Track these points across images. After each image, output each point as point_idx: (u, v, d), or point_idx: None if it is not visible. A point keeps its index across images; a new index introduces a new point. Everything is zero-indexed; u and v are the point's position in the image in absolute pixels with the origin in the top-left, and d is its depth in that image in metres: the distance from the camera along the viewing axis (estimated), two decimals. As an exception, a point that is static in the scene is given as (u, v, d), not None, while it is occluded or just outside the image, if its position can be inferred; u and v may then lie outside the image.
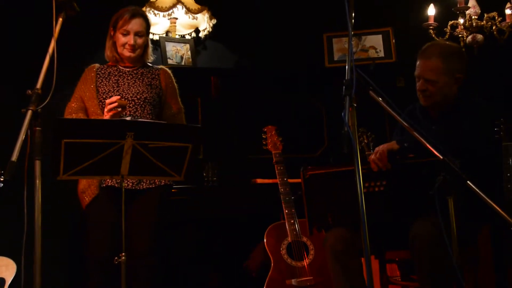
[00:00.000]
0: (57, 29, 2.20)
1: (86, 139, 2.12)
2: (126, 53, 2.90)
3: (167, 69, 3.08)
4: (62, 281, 3.68)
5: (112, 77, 2.93)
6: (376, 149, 2.48)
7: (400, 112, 2.07)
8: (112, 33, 2.93)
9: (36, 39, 3.04)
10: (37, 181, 1.98)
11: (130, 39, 2.87)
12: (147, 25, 2.96)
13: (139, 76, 2.96)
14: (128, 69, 2.97)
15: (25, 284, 2.13)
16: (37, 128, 1.99)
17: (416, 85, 2.65)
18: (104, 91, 2.89)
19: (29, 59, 2.85)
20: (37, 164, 1.98)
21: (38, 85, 2.05)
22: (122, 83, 2.92)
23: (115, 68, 2.97)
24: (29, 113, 1.97)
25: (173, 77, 3.07)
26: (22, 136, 1.93)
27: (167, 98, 3.00)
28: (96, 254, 2.70)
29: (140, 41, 2.90)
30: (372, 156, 2.44)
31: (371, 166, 2.43)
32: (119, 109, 2.68)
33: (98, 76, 2.94)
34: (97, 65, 3.00)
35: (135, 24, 2.88)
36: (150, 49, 3.04)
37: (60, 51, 2.13)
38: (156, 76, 3.00)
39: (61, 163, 2.12)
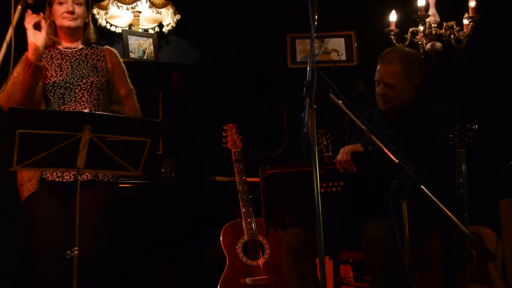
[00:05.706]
0: (15, 17, 2.15)
1: (42, 130, 2.07)
2: (66, 22, 2.70)
3: (112, 49, 2.89)
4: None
5: (54, 61, 2.73)
6: (342, 150, 2.49)
7: (359, 115, 2.10)
8: (48, 13, 2.73)
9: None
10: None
11: (69, 6, 2.69)
12: None
13: (83, 58, 2.77)
14: (70, 50, 2.78)
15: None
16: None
17: (376, 89, 2.69)
18: (46, 76, 2.68)
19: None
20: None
21: (-7, 73, 2.00)
22: (66, 67, 2.72)
23: (57, 50, 2.77)
24: (-17, 101, 1.92)
25: (119, 57, 2.89)
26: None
27: (114, 80, 2.82)
28: (47, 254, 2.57)
29: (79, 10, 2.72)
30: (339, 157, 2.46)
31: (337, 166, 2.45)
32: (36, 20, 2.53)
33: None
34: None
35: None
36: (92, 28, 2.86)
37: (17, 39, 2.08)
38: (102, 58, 2.81)
39: (15, 153, 2.07)
